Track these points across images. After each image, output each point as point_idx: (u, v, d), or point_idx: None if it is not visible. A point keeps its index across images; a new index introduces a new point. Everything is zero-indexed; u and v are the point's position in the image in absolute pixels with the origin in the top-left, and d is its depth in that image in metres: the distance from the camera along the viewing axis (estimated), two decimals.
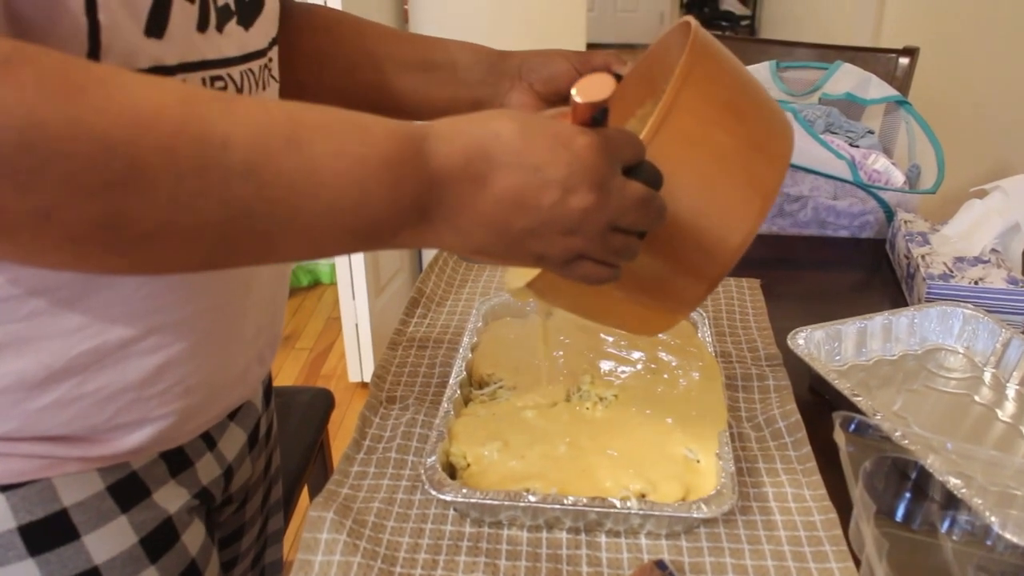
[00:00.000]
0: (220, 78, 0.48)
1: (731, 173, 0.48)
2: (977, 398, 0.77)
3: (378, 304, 2.03)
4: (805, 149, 1.13)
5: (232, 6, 0.49)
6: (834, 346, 0.82)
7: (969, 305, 0.86)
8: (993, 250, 0.97)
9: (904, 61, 1.48)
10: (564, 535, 0.61)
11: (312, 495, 1.19)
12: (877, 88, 1.29)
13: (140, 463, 0.53)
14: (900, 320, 0.84)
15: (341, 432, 1.85)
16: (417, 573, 0.57)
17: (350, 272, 1.94)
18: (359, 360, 2.05)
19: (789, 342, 0.80)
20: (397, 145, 0.40)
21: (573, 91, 0.43)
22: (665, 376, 0.75)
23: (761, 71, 1.34)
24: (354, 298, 1.97)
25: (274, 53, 0.55)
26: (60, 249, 0.35)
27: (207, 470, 0.59)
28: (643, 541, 0.60)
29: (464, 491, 0.60)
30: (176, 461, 0.56)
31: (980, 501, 0.58)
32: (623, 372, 0.75)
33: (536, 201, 0.42)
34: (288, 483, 1.07)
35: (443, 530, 0.61)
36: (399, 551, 0.59)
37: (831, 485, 0.64)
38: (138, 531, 0.52)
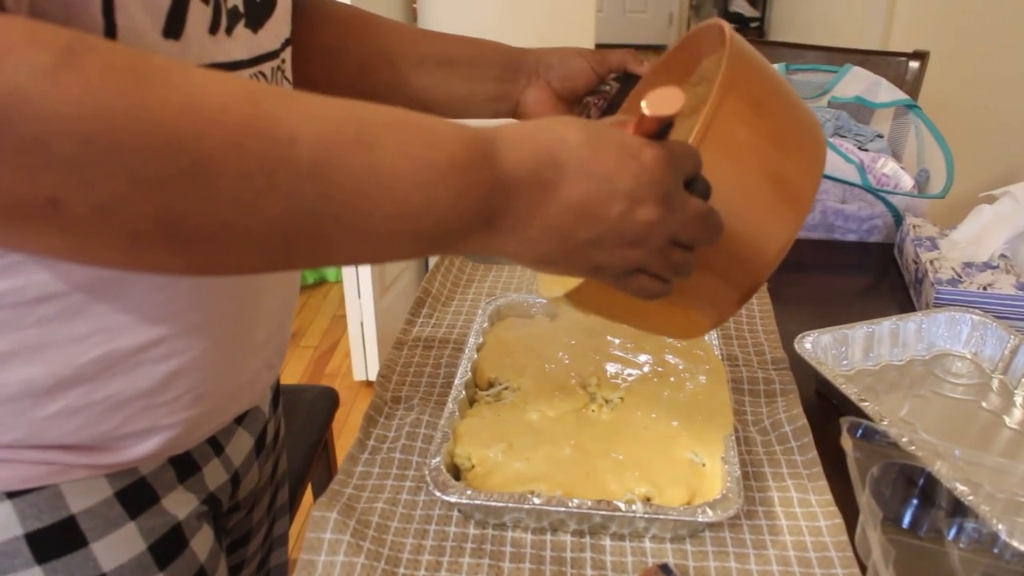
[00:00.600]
0: None
1: (770, 181, 0.49)
2: (985, 404, 0.77)
3: (384, 303, 2.03)
4: None
5: (241, 8, 0.48)
6: (841, 350, 0.82)
7: (977, 311, 0.85)
8: (1002, 255, 0.96)
9: (914, 65, 1.47)
10: (568, 538, 0.60)
11: (316, 494, 1.19)
12: (887, 92, 1.28)
13: (148, 468, 0.52)
14: (908, 325, 0.84)
15: (345, 431, 1.85)
16: (420, 574, 0.57)
17: (356, 270, 1.95)
18: (364, 359, 2.05)
19: (796, 346, 0.79)
20: (464, 148, 0.40)
21: (643, 103, 0.43)
22: (671, 379, 0.74)
23: None
24: (360, 296, 1.97)
25: (287, 55, 0.55)
26: (116, 247, 0.35)
27: (214, 475, 0.58)
28: (648, 545, 0.60)
29: (468, 492, 0.59)
30: (184, 466, 0.55)
31: (987, 508, 0.57)
32: (629, 375, 0.75)
33: (604, 211, 0.42)
34: (292, 482, 1.07)
35: (447, 531, 0.61)
36: (403, 552, 0.59)
37: (837, 491, 0.63)
38: (147, 538, 0.51)
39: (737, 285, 0.51)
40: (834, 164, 1.13)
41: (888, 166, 1.19)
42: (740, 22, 5.18)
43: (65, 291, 0.43)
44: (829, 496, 0.63)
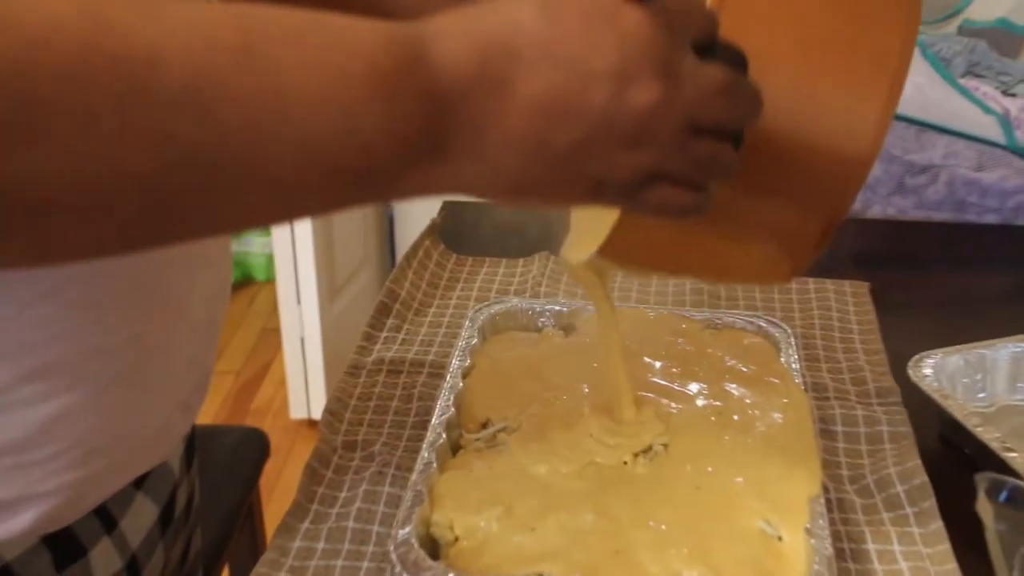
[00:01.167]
0: None
1: (834, 46, 0.48)
2: None
3: (333, 311, 2.03)
4: (938, 100, 1.13)
5: None
6: (976, 379, 0.82)
7: None
8: None
9: None
10: None
11: None
12: None
13: (14, 552, 0.52)
14: None
15: (279, 490, 1.85)
16: None
17: (294, 265, 1.94)
18: (305, 389, 2.05)
19: (911, 372, 0.79)
20: (387, 49, 0.40)
21: None
22: (735, 417, 0.74)
23: None
24: (299, 302, 1.97)
25: None
26: None
27: (104, 562, 0.58)
28: None
29: None
30: (64, 549, 0.55)
31: None
32: (675, 410, 0.75)
33: (583, 103, 0.42)
34: (204, 563, 1.06)
35: None
36: None
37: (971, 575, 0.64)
38: None
39: (810, 203, 0.51)
40: (966, 116, 1.13)
41: None
42: None
43: None
44: None
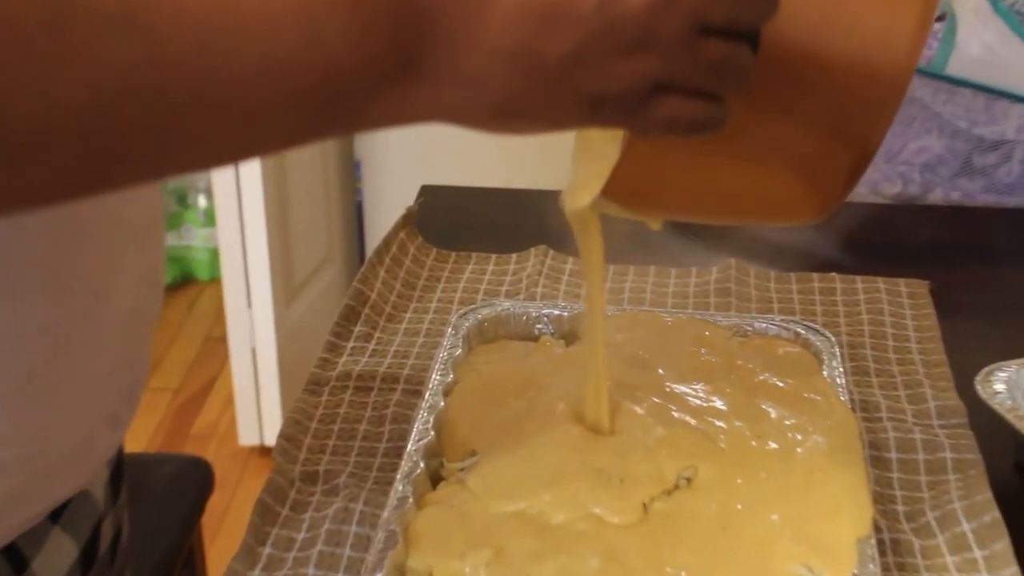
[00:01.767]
0: None
1: None
2: None
3: (291, 316, 2.03)
4: (1011, 63, 1.13)
5: None
6: None
7: None
8: None
9: None
10: None
11: None
12: None
13: None
14: None
15: (224, 531, 1.86)
16: None
17: (243, 261, 1.94)
18: (256, 410, 2.05)
19: (979, 388, 0.79)
20: None
21: None
22: (770, 443, 0.74)
23: None
24: (250, 305, 1.97)
25: None
26: None
27: None
28: None
29: None
30: None
31: None
32: (697, 435, 0.75)
33: (573, 4, 0.43)
34: None
35: None
36: None
37: None
38: None
39: (838, 126, 0.52)
40: None
41: None
42: None
43: None
44: None
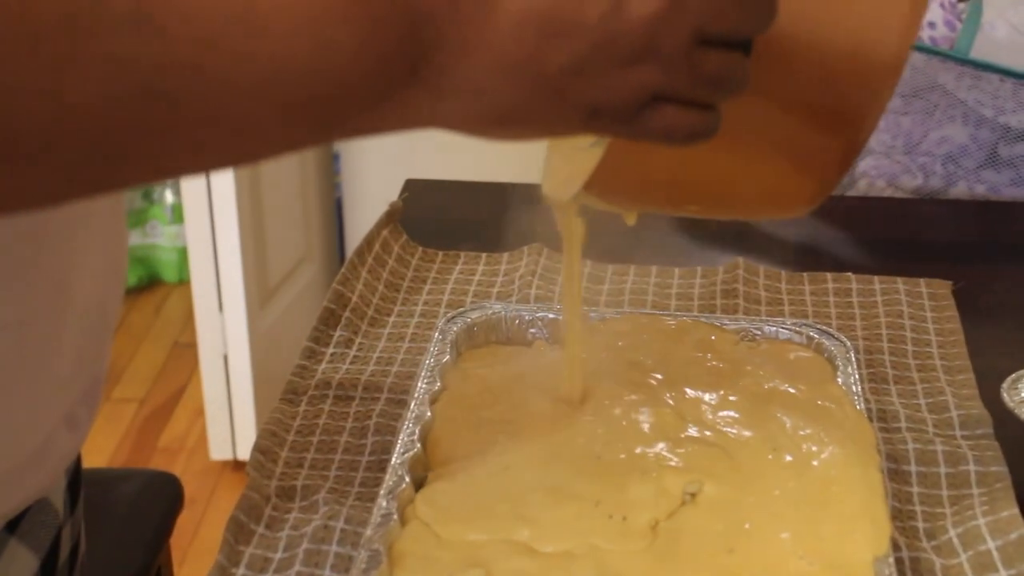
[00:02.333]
0: None
1: None
2: None
3: (265, 320, 2.04)
4: None
5: None
6: None
7: None
8: None
9: None
10: None
11: None
12: None
13: None
14: None
15: (195, 551, 1.84)
16: None
17: (214, 261, 1.94)
18: (229, 422, 2.06)
19: (1005, 396, 0.81)
20: None
21: None
22: (783, 456, 0.76)
23: None
24: (221, 309, 1.97)
25: None
26: None
27: None
28: None
29: None
30: None
31: None
32: (702, 441, 0.76)
33: (577, 16, 0.46)
34: None
35: None
36: None
37: None
38: None
39: (830, 111, 0.55)
40: None
41: None
42: None
43: None
44: None
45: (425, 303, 1.00)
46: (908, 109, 1.15)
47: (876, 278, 1.02)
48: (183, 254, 2.42)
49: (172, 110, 0.42)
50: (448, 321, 0.89)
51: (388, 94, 0.46)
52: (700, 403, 0.80)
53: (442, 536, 0.69)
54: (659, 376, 0.83)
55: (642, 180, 0.57)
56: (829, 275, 1.03)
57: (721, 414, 0.79)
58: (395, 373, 0.90)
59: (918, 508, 0.76)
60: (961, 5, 1.15)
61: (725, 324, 0.89)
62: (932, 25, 1.19)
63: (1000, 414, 0.82)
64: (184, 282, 2.59)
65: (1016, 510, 0.73)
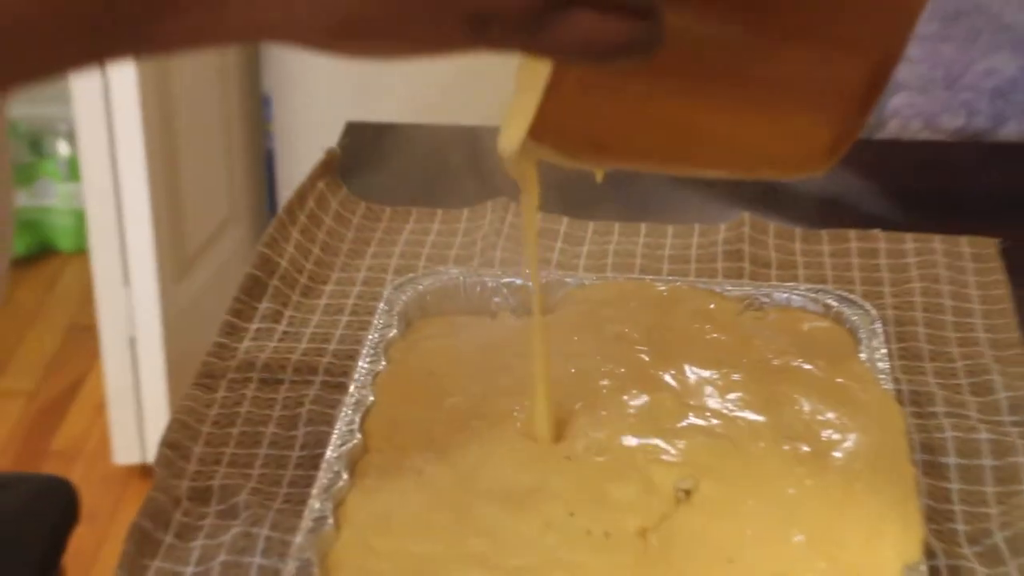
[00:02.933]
0: None
1: None
2: None
3: (182, 296, 2.03)
4: None
5: None
6: None
7: None
8: None
9: None
10: None
11: None
12: None
13: None
14: None
15: (96, 572, 1.86)
16: None
17: (118, 227, 1.93)
18: (137, 420, 2.05)
19: None
20: None
21: None
22: (791, 446, 0.75)
23: None
24: (128, 283, 1.96)
25: None
26: None
27: None
28: None
29: None
30: None
31: None
32: (705, 429, 0.76)
33: None
34: None
35: None
36: None
37: None
38: None
39: (845, 31, 0.52)
40: None
41: None
42: None
43: None
44: None
45: (369, 268, 1.00)
46: (948, 34, 1.14)
47: (909, 236, 1.02)
48: (80, 218, 2.40)
49: None
50: (396, 289, 0.88)
51: None
52: (697, 383, 0.80)
53: (377, 548, 0.69)
54: (651, 352, 0.83)
55: (601, 125, 0.54)
56: (852, 232, 1.03)
57: (721, 397, 0.79)
58: (332, 352, 0.89)
59: (957, 508, 0.76)
60: None
61: (727, 291, 0.89)
62: None
63: None
64: (82, 252, 2.53)
65: None
